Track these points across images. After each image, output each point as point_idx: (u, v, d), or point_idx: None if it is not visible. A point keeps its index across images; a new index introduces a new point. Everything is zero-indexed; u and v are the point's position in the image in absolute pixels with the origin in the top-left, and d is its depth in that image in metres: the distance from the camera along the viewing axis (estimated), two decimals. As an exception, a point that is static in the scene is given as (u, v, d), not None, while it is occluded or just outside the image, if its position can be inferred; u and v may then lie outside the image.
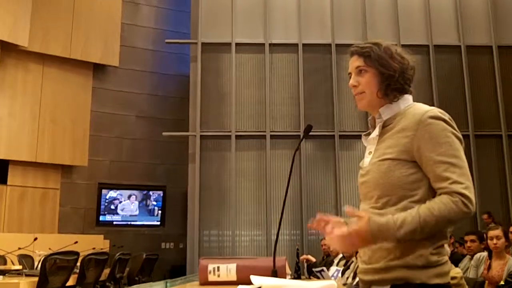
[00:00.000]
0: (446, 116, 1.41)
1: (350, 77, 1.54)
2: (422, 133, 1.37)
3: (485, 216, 7.09)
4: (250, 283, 1.44)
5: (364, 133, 1.58)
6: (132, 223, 9.45)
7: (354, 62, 1.53)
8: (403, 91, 1.50)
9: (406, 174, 1.39)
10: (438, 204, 1.31)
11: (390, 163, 1.40)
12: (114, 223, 9.29)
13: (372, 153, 1.49)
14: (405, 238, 1.31)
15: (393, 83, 1.47)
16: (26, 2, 8.09)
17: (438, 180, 1.35)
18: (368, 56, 1.49)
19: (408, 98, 1.51)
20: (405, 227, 1.30)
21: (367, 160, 1.50)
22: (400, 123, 1.43)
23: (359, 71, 1.51)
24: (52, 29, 8.66)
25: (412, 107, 1.46)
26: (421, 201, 1.36)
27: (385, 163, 1.41)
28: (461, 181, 1.33)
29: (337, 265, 4.94)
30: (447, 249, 1.47)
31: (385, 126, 1.48)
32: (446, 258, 1.41)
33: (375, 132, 1.51)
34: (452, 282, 2.70)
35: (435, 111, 1.41)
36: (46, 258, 3.68)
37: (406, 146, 1.39)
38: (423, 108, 1.44)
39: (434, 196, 1.37)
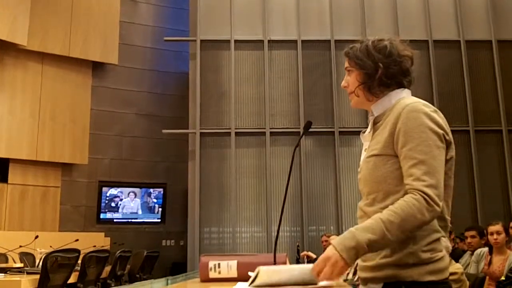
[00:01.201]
0: (429, 109, 1.39)
1: None
2: (400, 126, 1.37)
3: None
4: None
5: (363, 130, 1.59)
6: (133, 220, 9.47)
7: (345, 63, 1.57)
8: (389, 86, 1.48)
9: (391, 170, 1.38)
10: (400, 203, 1.29)
11: (376, 159, 1.41)
12: (115, 220, 9.31)
13: (366, 150, 1.50)
14: (375, 243, 1.26)
15: (372, 81, 1.47)
16: (25, 0, 8.07)
17: (405, 176, 1.34)
18: (349, 57, 1.53)
19: (399, 92, 1.48)
20: (370, 230, 1.26)
21: (362, 157, 1.52)
22: (387, 119, 1.43)
23: (348, 72, 1.55)
24: (51, 27, 8.64)
25: (399, 101, 1.44)
26: None
27: (371, 160, 1.42)
28: (425, 178, 1.30)
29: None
30: (447, 244, 1.44)
31: (376, 122, 1.49)
32: (442, 254, 1.38)
33: (368, 129, 1.52)
34: (453, 278, 2.69)
35: (417, 104, 1.39)
36: (47, 256, 3.69)
37: (387, 141, 1.39)
38: (407, 101, 1.42)
39: None
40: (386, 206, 1.35)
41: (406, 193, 1.33)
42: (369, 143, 1.49)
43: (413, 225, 1.29)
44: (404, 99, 1.45)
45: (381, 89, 1.48)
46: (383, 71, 1.46)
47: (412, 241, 1.34)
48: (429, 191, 1.29)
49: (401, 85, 1.49)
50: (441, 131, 1.37)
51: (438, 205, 1.29)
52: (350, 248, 1.26)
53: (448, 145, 1.40)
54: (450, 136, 1.40)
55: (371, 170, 1.42)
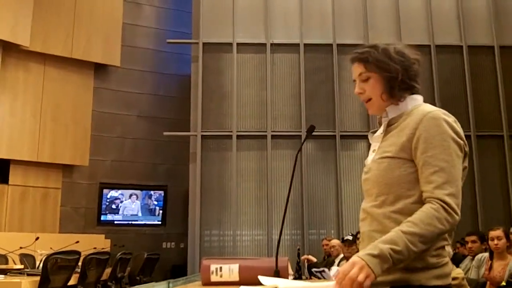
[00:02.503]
0: (451, 119, 1.39)
1: (355, 84, 1.54)
2: (420, 132, 1.37)
3: None
4: (252, 283, 1.44)
5: (371, 130, 1.58)
6: (133, 222, 9.46)
7: (356, 69, 1.52)
8: (410, 89, 1.49)
9: (405, 173, 1.38)
10: (419, 214, 1.29)
11: (390, 161, 1.40)
12: (115, 222, 9.30)
13: (375, 150, 1.49)
14: (398, 253, 1.24)
15: (397, 84, 1.46)
16: (27, 2, 8.09)
17: (424, 182, 1.34)
18: (367, 61, 1.48)
19: (417, 98, 1.50)
20: (392, 242, 1.25)
21: (370, 157, 1.51)
22: (404, 122, 1.43)
23: (363, 78, 1.51)
24: (54, 29, 8.66)
25: (418, 107, 1.45)
26: (419, 202, 1.36)
27: (385, 161, 1.41)
28: (445, 187, 1.30)
29: (338, 265, 4.94)
30: (449, 250, 1.46)
31: (390, 124, 1.48)
32: (447, 259, 1.39)
33: (380, 130, 1.51)
34: (454, 282, 2.69)
35: (439, 112, 1.40)
36: (48, 257, 3.69)
37: (404, 145, 1.39)
38: (427, 108, 1.43)
39: None
40: (396, 210, 1.36)
41: (422, 198, 1.33)
42: (379, 144, 1.48)
43: (434, 235, 1.29)
44: (423, 105, 1.46)
45: (402, 93, 1.48)
46: (405, 73, 1.47)
47: None
48: (449, 200, 1.29)
49: (415, 88, 1.51)
50: (461, 142, 1.38)
51: (457, 214, 1.30)
52: (373, 256, 1.23)
53: (464, 155, 1.41)
54: (467, 147, 1.41)
55: (383, 171, 1.41)
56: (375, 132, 1.56)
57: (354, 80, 1.55)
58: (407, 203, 1.36)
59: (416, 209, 1.34)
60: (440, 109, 1.43)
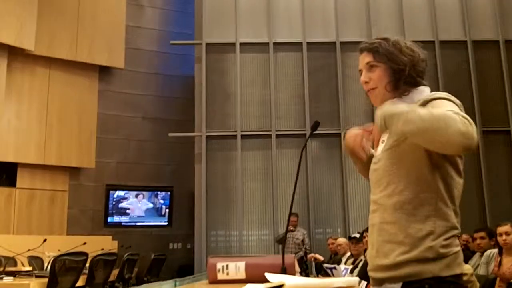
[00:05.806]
0: (451, 97, 1.42)
1: (361, 74, 1.55)
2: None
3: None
4: (259, 281, 1.44)
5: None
6: (140, 223, 9.49)
7: (364, 59, 1.53)
8: (416, 84, 1.50)
9: (417, 159, 1.39)
10: (438, 110, 1.27)
11: (402, 150, 1.41)
12: (122, 224, 9.33)
13: (384, 141, 1.50)
14: (406, 119, 1.26)
15: (404, 77, 1.48)
16: (31, 6, 8.14)
17: None
18: (377, 52, 1.50)
19: (424, 89, 1.51)
20: (406, 113, 1.27)
21: (379, 148, 1.51)
22: None
23: (370, 67, 1.52)
24: (58, 32, 8.71)
25: (424, 97, 1.47)
26: (427, 191, 1.37)
27: (396, 150, 1.42)
28: (460, 113, 1.25)
29: (345, 263, 4.93)
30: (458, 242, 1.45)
31: None
32: (457, 249, 1.39)
33: None
34: (463, 278, 2.67)
35: (439, 93, 1.44)
36: (56, 259, 3.71)
37: None
38: (433, 94, 1.46)
39: (442, 178, 1.37)
40: (405, 199, 1.38)
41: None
42: (387, 135, 1.49)
43: (447, 125, 1.20)
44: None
45: (405, 87, 1.49)
46: (413, 68, 1.49)
47: (432, 235, 1.35)
48: (467, 120, 1.22)
49: (421, 84, 1.52)
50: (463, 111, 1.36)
51: (474, 136, 1.20)
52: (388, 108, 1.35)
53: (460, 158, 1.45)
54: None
55: (395, 159, 1.42)
56: None
57: (360, 70, 1.55)
58: (416, 191, 1.37)
59: (426, 197, 1.36)
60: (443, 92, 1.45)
